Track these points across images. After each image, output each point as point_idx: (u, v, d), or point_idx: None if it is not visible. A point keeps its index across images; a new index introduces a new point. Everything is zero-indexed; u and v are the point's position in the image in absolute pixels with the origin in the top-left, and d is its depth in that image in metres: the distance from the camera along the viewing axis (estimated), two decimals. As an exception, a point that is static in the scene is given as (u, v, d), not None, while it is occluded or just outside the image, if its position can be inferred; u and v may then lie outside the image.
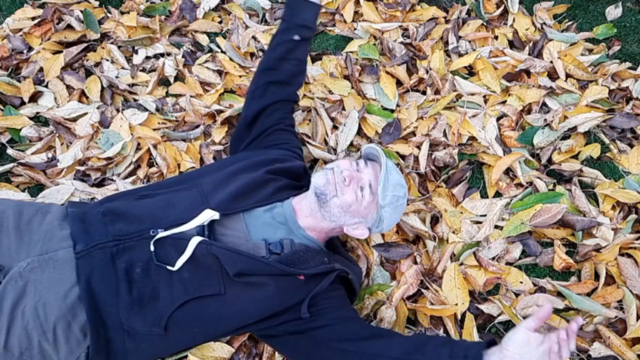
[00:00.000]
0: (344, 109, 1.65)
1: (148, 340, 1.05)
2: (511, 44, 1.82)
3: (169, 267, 1.04)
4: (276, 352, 1.19)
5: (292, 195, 1.20)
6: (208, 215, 1.09)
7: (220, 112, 1.61)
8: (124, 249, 1.05)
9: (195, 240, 1.05)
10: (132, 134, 1.54)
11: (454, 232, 1.38)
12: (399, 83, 1.71)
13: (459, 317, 1.24)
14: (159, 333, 1.04)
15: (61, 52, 1.69)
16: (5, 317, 0.96)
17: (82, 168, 1.47)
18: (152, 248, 1.05)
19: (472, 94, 1.65)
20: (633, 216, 1.37)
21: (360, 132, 1.59)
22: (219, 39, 1.83)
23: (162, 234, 1.06)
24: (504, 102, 1.63)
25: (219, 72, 1.74)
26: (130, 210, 1.12)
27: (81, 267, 1.02)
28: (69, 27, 1.78)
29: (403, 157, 1.53)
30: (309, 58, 1.79)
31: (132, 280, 1.04)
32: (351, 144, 1.56)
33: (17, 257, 1.04)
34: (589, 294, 1.28)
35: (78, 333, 1.00)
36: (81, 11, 1.79)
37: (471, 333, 1.21)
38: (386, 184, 1.12)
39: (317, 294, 1.09)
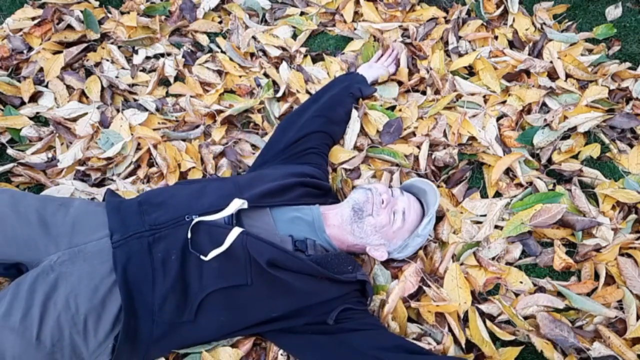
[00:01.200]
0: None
1: (175, 329, 1.07)
2: (511, 44, 1.81)
3: (202, 257, 1.06)
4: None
5: (318, 202, 1.27)
6: (237, 203, 1.12)
7: (220, 112, 1.61)
8: (160, 238, 1.07)
9: (236, 232, 1.07)
10: (132, 134, 1.54)
11: (454, 232, 1.38)
12: (399, 83, 1.71)
13: (461, 315, 1.24)
14: (189, 320, 1.06)
15: (61, 52, 1.69)
16: (38, 308, 0.97)
17: (82, 168, 1.47)
18: (189, 234, 1.07)
19: (472, 94, 1.65)
20: (633, 216, 1.37)
21: (362, 131, 1.59)
22: (219, 39, 1.83)
23: (196, 219, 1.08)
24: (504, 102, 1.63)
25: (219, 72, 1.74)
26: (166, 200, 1.16)
27: (118, 256, 1.04)
28: (69, 27, 1.78)
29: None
30: (309, 58, 1.80)
31: (168, 269, 1.05)
32: (354, 146, 1.56)
33: (45, 251, 1.06)
34: (589, 294, 1.28)
35: (108, 325, 1.02)
36: (81, 11, 1.79)
37: (477, 326, 1.21)
38: (431, 220, 1.26)
39: (345, 302, 1.14)
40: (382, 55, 1.75)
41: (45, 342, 0.97)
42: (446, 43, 1.81)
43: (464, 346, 1.21)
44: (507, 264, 1.35)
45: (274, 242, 1.11)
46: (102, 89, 1.65)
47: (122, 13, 1.86)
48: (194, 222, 1.08)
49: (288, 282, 1.09)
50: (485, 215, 1.40)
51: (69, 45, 1.73)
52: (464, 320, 1.25)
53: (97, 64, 1.72)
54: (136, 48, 1.78)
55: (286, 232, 1.17)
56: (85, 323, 1.00)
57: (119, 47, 1.77)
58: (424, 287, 1.27)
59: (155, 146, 1.51)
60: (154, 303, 1.04)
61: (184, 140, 1.57)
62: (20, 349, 0.96)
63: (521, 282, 1.30)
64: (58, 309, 0.99)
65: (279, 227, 1.18)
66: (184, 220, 1.10)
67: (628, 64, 1.68)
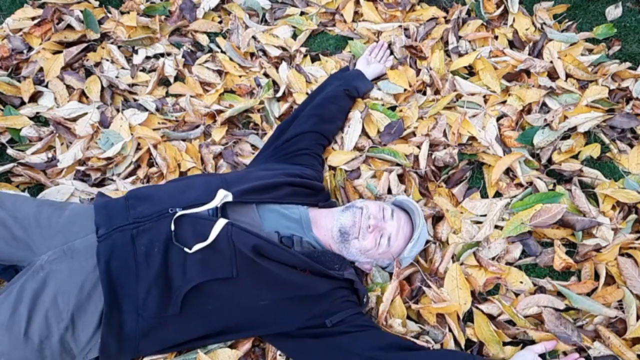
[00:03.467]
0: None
1: (162, 322, 1.06)
2: (511, 44, 1.81)
3: (186, 249, 1.05)
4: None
5: (308, 202, 1.27)
6: (222, 194, 1.12)
7: (220, 112, 1.61)
8: (143, 231, 1.07)
9: (222, 223, 1.07)
10: (132, 134, 1.54)
11: (454, 232, 1.38)
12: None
13: (461, 316, 1.24)
14: (175, 313, 1.05)
15: (61, 52, 1.69)
16: (26, 306, 0.99)
17: (82, 168, 1.47)
18: (172, 227, 1.06)
19: (472, 94, 1.65)
20: (633, 216, 1.37)
21: (362, 131, 1.59)
22: (219, 39, 1.83)
23: (180, 212, 1.08)
24: (504, 102, 1.63)
25: (219, 72, 1.74)
26: (153, 194, 1.16)
27: (101, 250, 1.04)
28: (69, 27, 1.78)
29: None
30: (308, 57, 1.80)
31: (151, 262, 1.05)
32: (355, 146, 1.56)
33: (38, 252, 1.07)
34: (589, 294, 1.28)
35: (95, 321, 1.02)
36: (81, 11, 1.79)
37: (482, 325, 1.21)
38: (416, 244, 1.25)
39: (335, 300, 1.14)
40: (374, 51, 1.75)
41: (33, 338, 0.98)
42: (446, 43, 1.81)
43: (463, 347, 1.21)
44: (507, 264, 1.35)
45: (260, 234, 1.11)
46: (102, 89, 1.65)
47: (122, 13, 1.86)
48: (177, 214, 1.08)
49: (274, 272, 1.09)
50: (485, 215, 1.40)
51: (69, 45, 1.73)
52: (465, 321, 1.25)
53: (97, 64, 1.72)
54: (136, 48, 1.78)
55: (272, 229, 1.17)
56: (73, 319, 1.01)
57: (119, 47, 1.77)
58: (424, 288, 1.27)
59: (155, 146, 1.51)
60: (138, 296, 1.04)
61: (184, 140, 1.57)
62: (8, 345, 0.97)
63: (521, 282, 1.30)
64: (46, 306, 0.99)
65: (265, 224, 1.18)
66: (167, 213, 1.09)
67: (628, 64, 1.68)
